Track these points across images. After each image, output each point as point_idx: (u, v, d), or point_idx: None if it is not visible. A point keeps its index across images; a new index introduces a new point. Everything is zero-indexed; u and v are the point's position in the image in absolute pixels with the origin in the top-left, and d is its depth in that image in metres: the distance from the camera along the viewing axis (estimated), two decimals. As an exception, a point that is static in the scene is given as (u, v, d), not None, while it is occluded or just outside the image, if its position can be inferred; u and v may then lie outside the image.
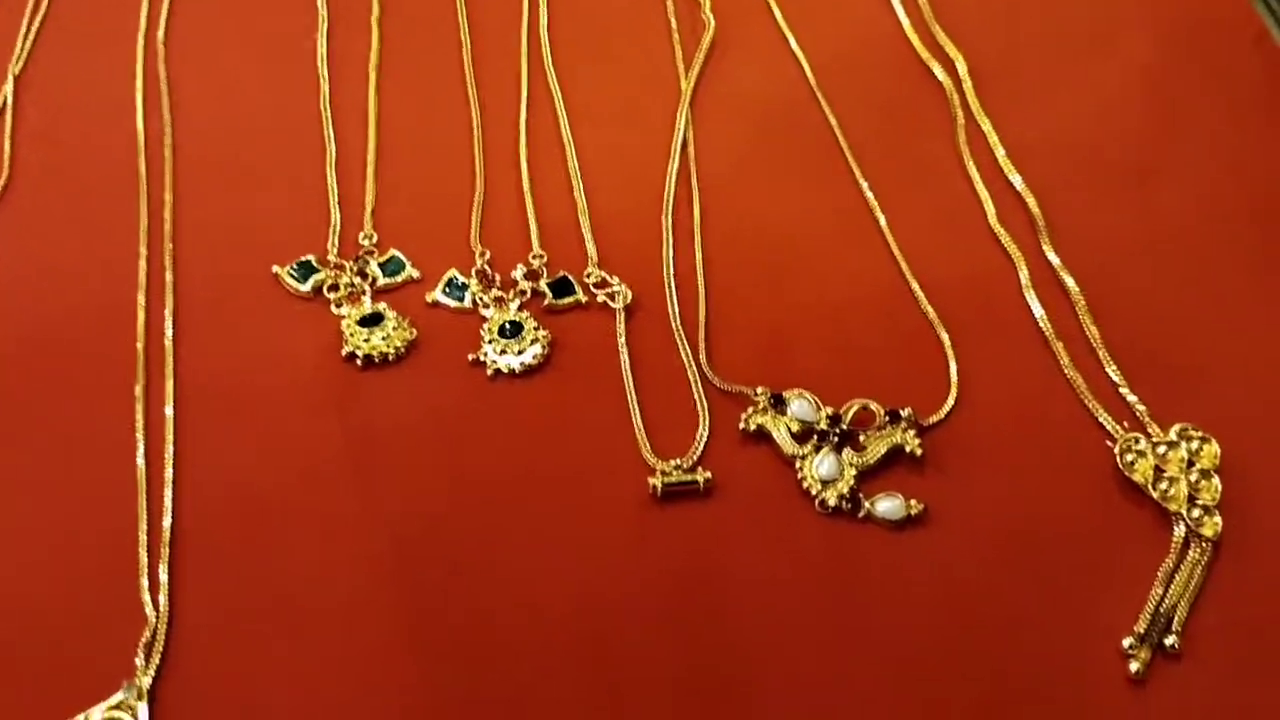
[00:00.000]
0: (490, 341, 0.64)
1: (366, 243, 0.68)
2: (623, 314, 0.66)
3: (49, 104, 0.74)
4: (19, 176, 0.71)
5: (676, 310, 0.66)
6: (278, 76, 0.76)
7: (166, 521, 0.57)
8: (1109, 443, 0.61)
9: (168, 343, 0.63)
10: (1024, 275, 0.68)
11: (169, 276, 0.66)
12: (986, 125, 0.75)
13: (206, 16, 0.80)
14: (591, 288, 0.67)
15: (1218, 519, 0.58)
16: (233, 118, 0.74)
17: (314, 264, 0.67)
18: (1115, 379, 0.64)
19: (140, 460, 0.59)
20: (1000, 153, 0.73)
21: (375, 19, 0.80)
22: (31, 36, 0.78)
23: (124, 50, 0.77)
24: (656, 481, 0.59)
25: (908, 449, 0.60)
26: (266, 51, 0.78)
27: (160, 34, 0.78)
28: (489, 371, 0.63)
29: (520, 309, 0.65)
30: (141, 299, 0.65)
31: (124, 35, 0.78)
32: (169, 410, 0.61)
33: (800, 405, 0.61)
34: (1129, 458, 0.60)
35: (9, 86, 0.75)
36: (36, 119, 0.74)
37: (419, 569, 0.57)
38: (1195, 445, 0.60)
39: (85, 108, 0.74)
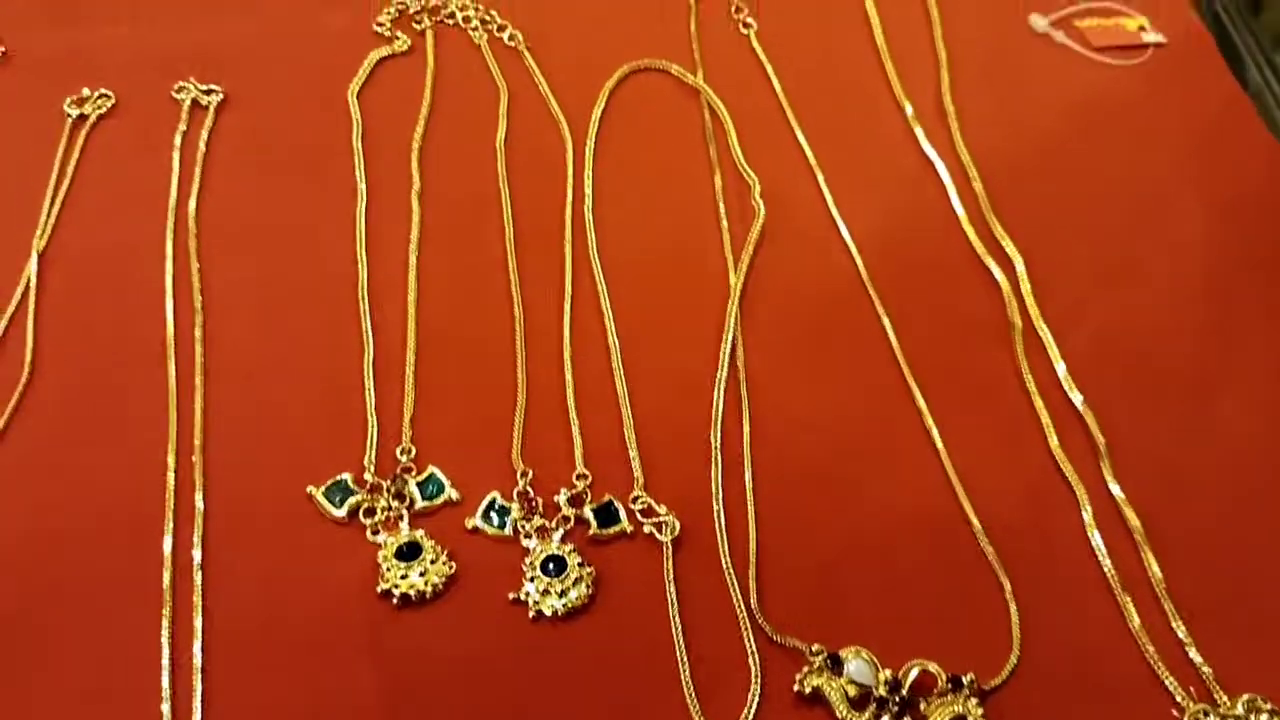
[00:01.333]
0: (532, 579, 0.61)
1: (404, 458, 0.65)
2: (669, 548, 0.63)
3: (74, 286, 0.72)
4: (41, 374, 0.68)
5: (726, 546, 0.63)
6: (314, 260, 0.74)
7: (192, 784, 0.54)
8: (1175, 714, 0.58)
9: (196, 575, 0.60)
10: (1088, 514, 0.65)
11: (199, 498, 0.63)
12: (1046, 335, 0.72)
13: (240, 190, 0.77)
14: (638, 515, 0.64)
15: (1289, 806, 0.56)
16: (267, 306, 0.71)
17: (350, 484, 0.64)
18: (1181, 636, 0.61)
19: (165, 705, 0.56)
20: (1061, 367, 0.71)
21: (415, 193, 0.77)
22: (56, 207, 0.75)
23: (153, 225, 0.74)
24: (708, 752, 0.56)
25: (969, 719, 0.57)
26: (303, 229, 0.75)
27: (191, 207, 0.75)
28: (530, 613, 0.60)
29: (564, 539, 0.63)
30: (170, 517, 0.62)
31: (153, 208, 0.75)
32: (196, 651, 0.58)
33: (858, 667, 0.59)
34: (1197, 733, 0.57)
35: (33, 264, 0.72)
36: (62, 305, 0.71)
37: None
38: (1265, 719, 0.58)
39: (112, 291, 0.72)
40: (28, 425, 0.66)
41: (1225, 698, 0.59)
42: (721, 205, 0.78)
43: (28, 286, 0.71)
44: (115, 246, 0.74)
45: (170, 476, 0.64)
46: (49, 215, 0.74)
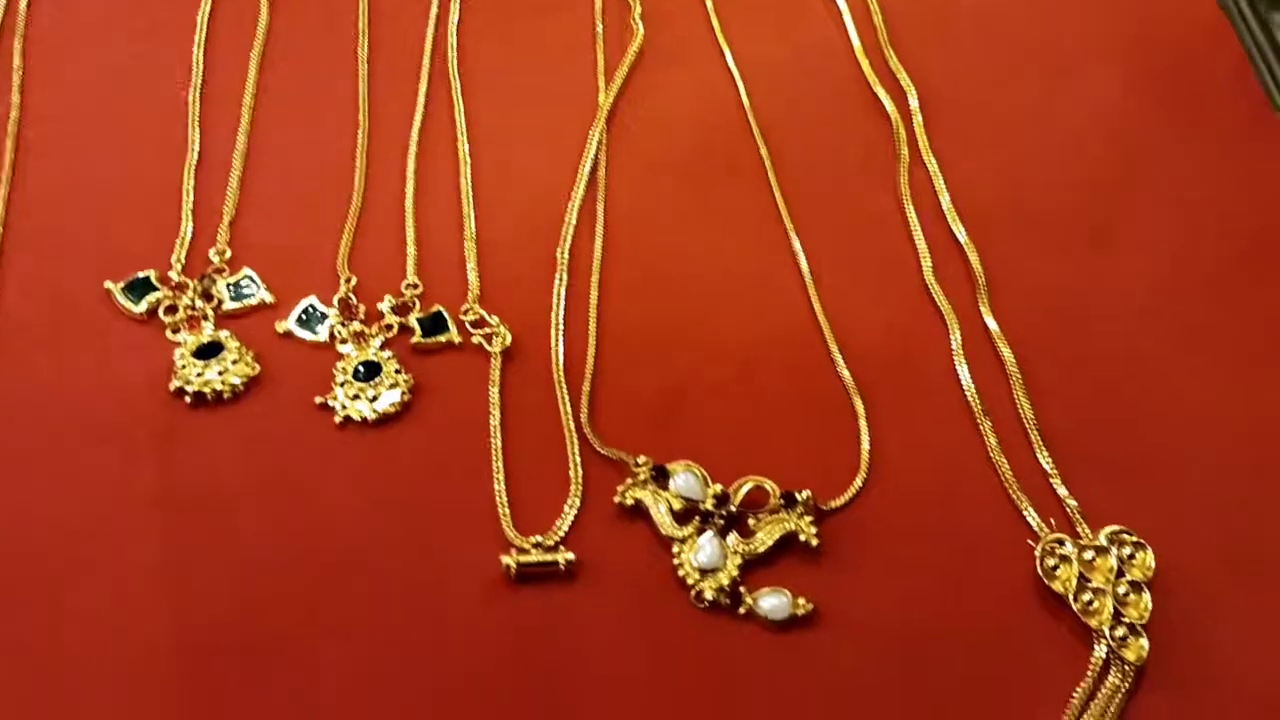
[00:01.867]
0: (342, 384, 0.56)
1: (217, 259, 0.60)
2: (499, 359, 0.58)
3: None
4: None
5: (561, 358, 0.58)
6: (147, 59, 0.68)
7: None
8: (1030, 542, 0.53)
9: (-24, 362, 0.56)
10: (956, 340, 0.60)
11: (-12, 285, 0.58)
12: (933, 166, 0.67)
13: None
14: (468, 326, 0.59)
15: (1144, 641, 0.51)
16: (89, 104, 0.66)
17: (152, 281, 0.59)
18: (1047, 467, 0.56)
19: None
20: (945, 199, 0.66)
21: (265, 0, 0.71)
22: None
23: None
24: (510, 561, 0.51)
25: (802, 538, 0.53)
26: (140, 27, 0.70)
27: (22, 4, 0.70)
28: (337, 418, 0.55)
29: (383, 346, 0.58)
30: (-45, 309, 0.57)
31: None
32: (-33, 438, 0.53)
33: (686, 480, 0.54)
34: (1050, 562, 0.52)
35: None
36: None
37: (224, 643, 0.49)
38: (1128, 552, 0.53)
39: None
40: None
41: (1088, 530, 0.54)
42: (599, 24, 0.72)
43: None
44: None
45: (-38, 261, 0.59)
46: None
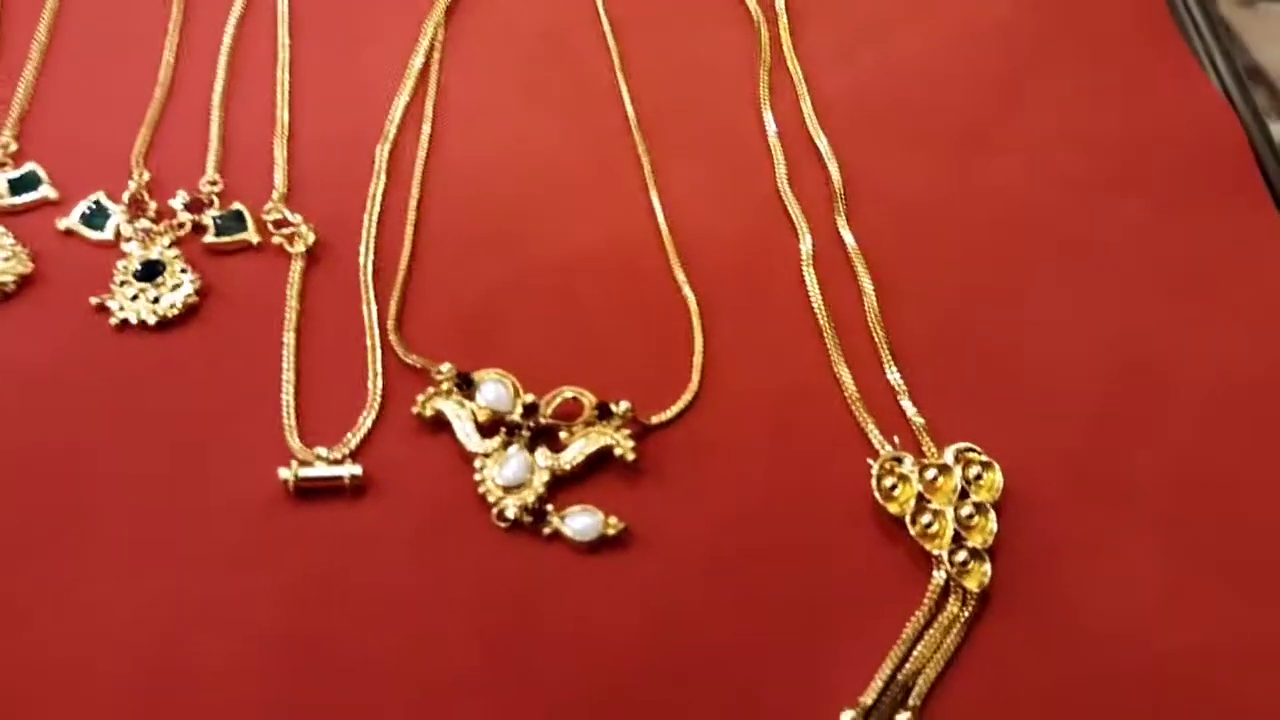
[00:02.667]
0: (122, 283, 0.51)
1: (1, 153, 0.55)
2: (300, 260, 0.53)
3: None
4: None
5: (370, 260, 0.53)
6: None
7: None
8: (871, 461, 0.49)
9: None
10: (805, 248, 0.56)
11: None
12: (796, 72, 0.62)
13: None
14: (270, 226, 0.54)
15: (987, 567, 0.47)
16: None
17: (-77, 175, 0.53)
18: (895, 384, 0.52)
19: None
20: (807, 105, 0.61)
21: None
22: None
23: None
24: (290, 474, 0.46)
25: (618, 452, 0.48)
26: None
27: None
28: (114, 320, 0.50)
29: (173, 245, 0.52)
30: None
31: None
32: None
33: (494, 390, 0.49)
34: (888, 482, 0.48)
35: None
36: None
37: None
38: (975, 472, 0.49)
39: None
40: None
41: (934, 448, 0.50)
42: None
43: None
44: None
45: None
46: None
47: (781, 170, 0.58)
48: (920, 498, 0.48)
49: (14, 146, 0.55)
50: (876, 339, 0.53)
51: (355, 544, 0.46)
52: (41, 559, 0.45)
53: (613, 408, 0.48)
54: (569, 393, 0.49)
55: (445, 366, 0.49)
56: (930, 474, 0.48)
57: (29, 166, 0.54)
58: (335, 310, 0.52)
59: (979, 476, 0.49)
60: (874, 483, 0.48)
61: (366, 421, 0.49)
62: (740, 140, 0.60)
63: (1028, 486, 0.49)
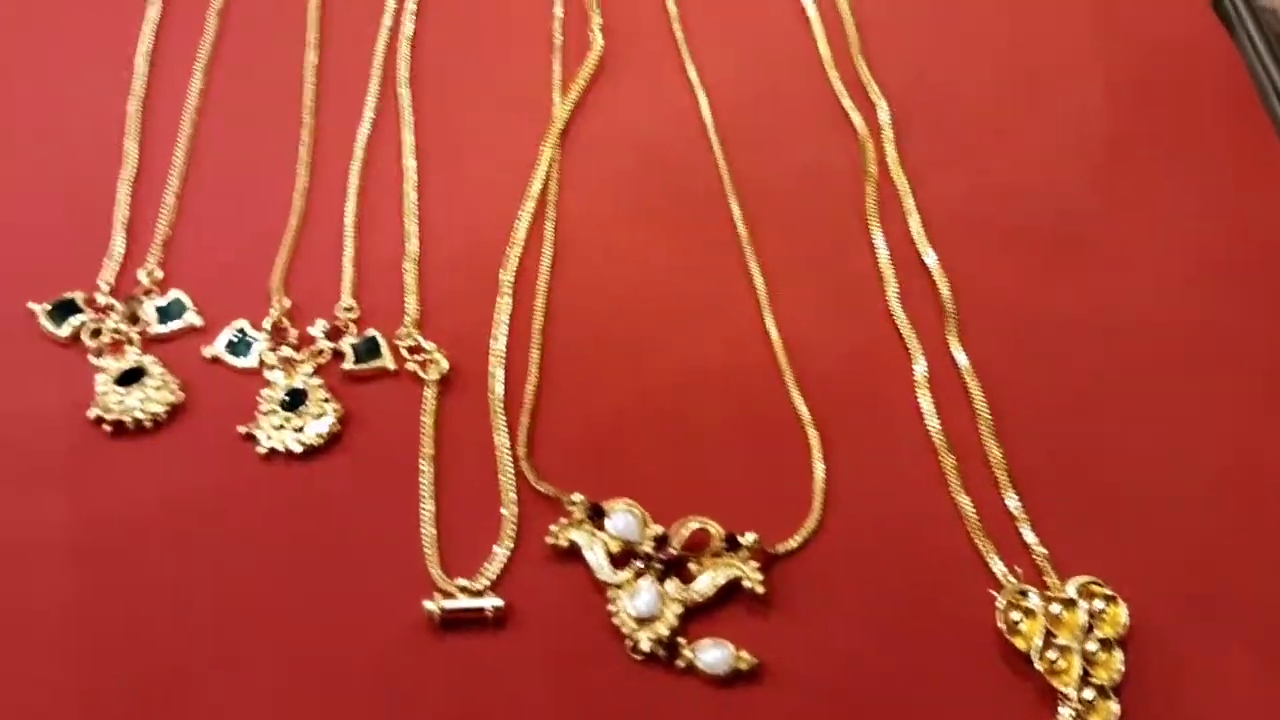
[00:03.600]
0: (267, 412, 0.53)
1: (147, 280, 0.57)
2: (434, 388, 0.55)
3: None
4: None
5: (501, 387, 0.55)
6: (88, 66, 0.65)
7: None
8: (993, 593, 0.50)
9: (-114, 385, 0.53)
10: (920, 371, 0.57)
11: (-102, 308, 0.55)
12: (903, 185, 0.64)
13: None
14: (403, 352, 0.56)
15: (1114, 706, 0.47)
16: (14, 114, 0.63)
17: (77, 304, 0.56)
18: (1014, 510, 0.53)
19: None
20: (914, 221, 0.62)
21: (216, 10, 0.68)
22: None
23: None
24: (434, 606, 0.48)
25: (747, 585, 0.49)
26: (82, 34, 0.67)
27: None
28: (261, 449, 0.53)
29: (315, 373, 0.55)
30: None
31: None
32: None
33: (624, 520, 0.51)
34: (1014, 616, 0.49)
35: None
36: None
37: (132, 685, 0.47)
38: (1099, 606, 0.49)
39: None
40: None
41: (1057, 580, 0.50)
42: (558, 36, 0.69)
43: None
44: None
45: (-125, 286, 0.56)
46: None
47: (893, 289, 0.60)
48: (1047, 633, 0.49)
49: (159, 274, 0.58)
50: (993, 461, 0.54)
51: (495, 674, 0.48)
52: (195, 683, 0.47)
53: (740, 539, 0.50)
54: (695, 523, 0.51)
55: (577, 497, 0.51)
56: (1056, 608, 0.49)
57: (174, 294, 0.57)
58: (468, 435, 0.54)
59: (1103, 611, 0.49)
60: (1000, 617, 0.49)
61: (503, 551, 0.51)
62: (848, 255, 0.61)
63: (1154, 617, 0.49)
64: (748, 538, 0.50)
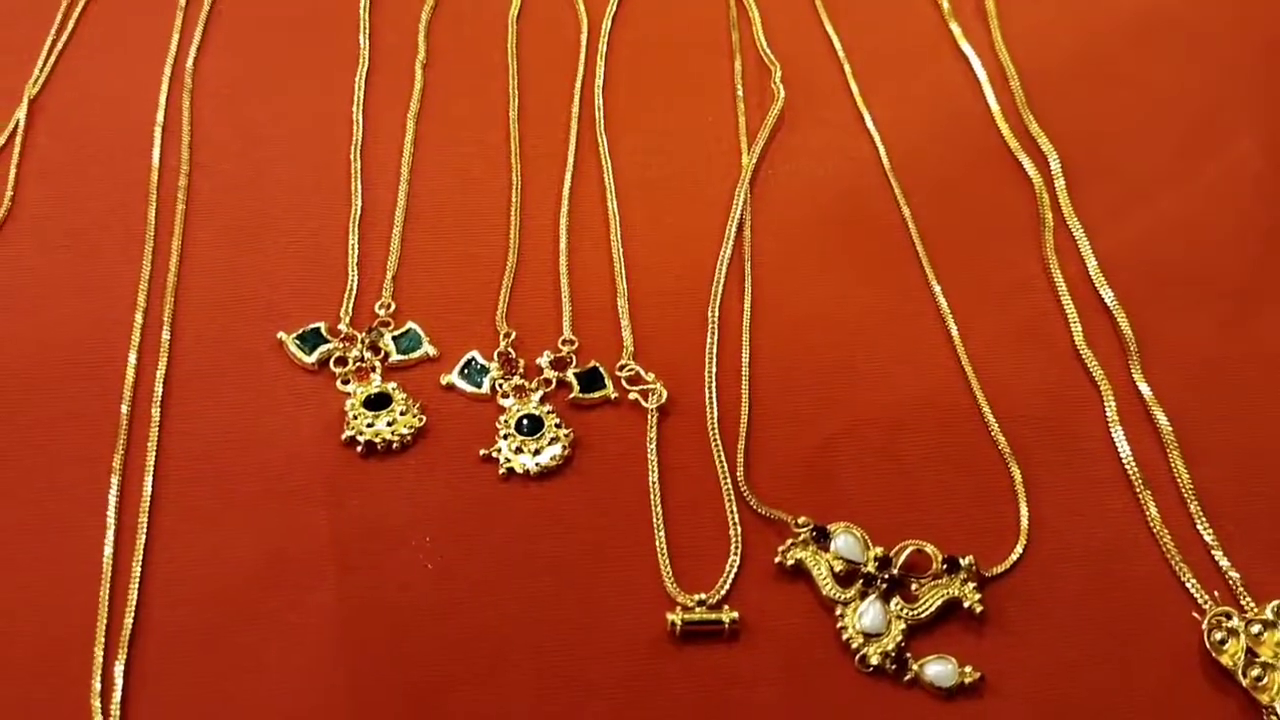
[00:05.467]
0: (505, 436, 0.57)
1: (383, 312, 0.62)
2: (655, 415, 0.59)
3: (63, 131, 0.69)
4: (21, 207, 0.66)
5: (715, 417, 0.59)
6: (310, 119, 0.71)
7: (128, 617, 0.51)
8: (1196, 615, 0.53)
9: (155, 409, 0.58)
10: (1111, 408, 0.60)
11: (166, 334, 0.60)
12: (1078, 231, 0.67)
13: (243, 47, 0.74)
14: (624, 382, 0.60)
15: (1319, 720, 0.50)
16: (256, 162, 0.68)
17: (323, 333, 0.61)
18: (1208, 538, 0.56)
19: (109, 544, 0.53)
20: (1092, 263, 0.66)
21: (420, 64, 0.74)
22: (53, 57, 0.73)
23: (150, 78, 0.72)
24: (676, 619, 0.52)
25: (966, 604, 0.53)
26: (301, 90, 0.72)
27: (190, 63, 0.73)
28: (501, 470, 0.57)
29: (542, 401, 0.59)
30: (133, 357, 0.59)
31: (152, 61, 0.73)
32: (147, 486, 0.55)
33: (846, 542, 0.54)
34: (1218, 636, 0.52)
35: (22, 109, 0.70)
36: (49, 146, 0.68)
37: (392, 689, 0.51)
38: (1297, 627, 0.52)
39: (101, 139, 0.69)
40: (4, 255, 0.63)
41: (1253, 603, 0.53)
42: (740, 88, 0.74)
43: (15, 129, 0.69)
44: (109, 95, 0.71)
45: (139, 315, 0.61)
46: (45, 65, 0.72)
47: (1078, 329, 0.63)
48: (1249, 651, 0.51)
49: (393, 306, 0.62)
50: (1184, 492, 0.57)
51: (732, 683, 0.51)
52: (455, 688, 0.51)
53: (960, 561, 0.53)
54: (915, 546, 0.54)
55: (802, 519, 0.55)
56: (1255, 629, 0.52)
57: (410, 326, 0.62)
58: (688, 460, 0.58)
59: (1301, 632, 0.52)
60: (1205, 637, 0.52)
61: (732, 570, 0.54)
62: (1031, 295, 0.65)
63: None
64: (966, 560, 0.53)
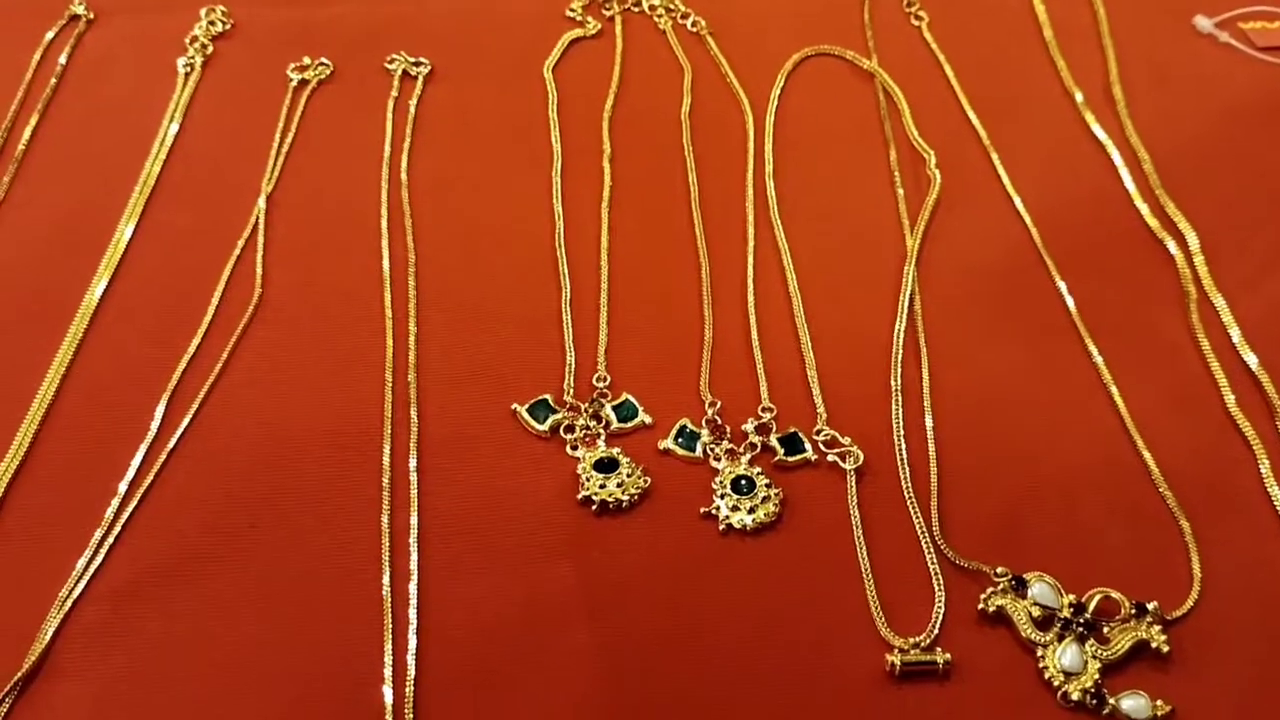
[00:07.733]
0: (723, 495, 0.64)
1: (600, 385, 0.69)
2: (853, 475, 0.66)
3: (299, 223, 0.78)
4: (271, 291, 0.74)
5: (908, 476, 0.66)
6: (516, 212, 0.79)
7: (410, 659, 0.58)
8: (1362, 654, 0.59)
9: (413, 476, 0.65)
10: (1265, 466, 0.66)
11: (414, 413, 0.68)
12: (1220, 302, 0.74)
13: (447, 151, 0.83)
14: (821, 445, 0.67)
15: None
16: (471, 251, 0.77)
17: (551, 404, 0.68)
18: (1367, 586, 0.62)
19: (386, 592, 0.61)
20: (1235, 332, 0.72)
21: (606, 158, 0.82)
22: (281, 157, 0.82)
23: (368, 177, 0.81)
24: (895, 659, 0.58)
25: (1154, 645, 0.59)
26: (504, 185, 0.81)
27: (404, 162, 0.82)
28: (720, 526, 0.63)
29: (751, 463, 0.66)
30: (388, 429, 0.67)
31: (368, 162, 0.82)
32: (413, 540, 0.62)
33: (1042, 589, 0.60)
34: (1388, 675, 0.58)
35: (262, 203, 0.78)
36: (287, 238, 0.77)
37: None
38: None
39: (331, 231, 0.78)
40: (257, 343, 0.72)
41: None
42: (897, 175, 0.81)
43: (257, 222, 0.77)
44: (335, 193, 0.80)
45: (388, 392, 0.69)
46: (275, 165, 0.81)
47: (1229, 395, 0.69)
48: None
49: (608, 379, 0.70)
50: (1340, 544, 0.63)
51: (947, 716, 0.58)
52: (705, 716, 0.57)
53: (1147, 606, 0.59)
54: (1103, 593, 0.60)
55: (1000, 569, 0.61)
56: None
57: (626, 396, 0.69)
58: (885, 515, 0.64)
59: None
60: (1376, 674, 0.57)
61: (938, 615, 0.60)
62: (1181, 361, 0.71)
63: None
64: (1152, 605, 0.59)
